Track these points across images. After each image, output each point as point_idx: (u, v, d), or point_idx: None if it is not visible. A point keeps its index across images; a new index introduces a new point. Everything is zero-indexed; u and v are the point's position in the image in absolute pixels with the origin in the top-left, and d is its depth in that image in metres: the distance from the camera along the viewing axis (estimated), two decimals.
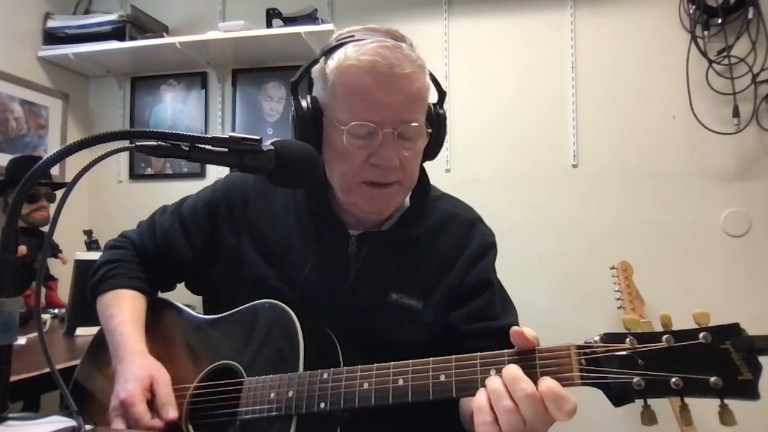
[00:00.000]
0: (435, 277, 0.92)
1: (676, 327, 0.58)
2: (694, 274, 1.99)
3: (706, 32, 1.98)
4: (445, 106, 0.94)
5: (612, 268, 1.87)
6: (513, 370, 0.60)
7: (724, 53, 1.95)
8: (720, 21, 1.94)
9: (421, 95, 0.84)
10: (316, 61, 0.88)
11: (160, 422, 0.77)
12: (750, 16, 1.94)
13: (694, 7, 2.00)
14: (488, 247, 0.96)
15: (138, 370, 0.80)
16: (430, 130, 0.86)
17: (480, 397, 0.61)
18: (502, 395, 0.59)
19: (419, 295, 0.91)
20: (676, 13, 2.06)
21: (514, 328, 0.63)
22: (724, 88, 1.97)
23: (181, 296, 1.07)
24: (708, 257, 1.99)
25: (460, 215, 0.98)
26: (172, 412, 0.78)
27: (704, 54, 1.98)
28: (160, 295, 1.04)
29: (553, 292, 2.10)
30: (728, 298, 1.92)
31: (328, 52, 0.85)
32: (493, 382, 0.61)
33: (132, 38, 2.30)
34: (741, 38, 1.96)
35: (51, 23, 2.39)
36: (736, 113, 1.94)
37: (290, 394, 0.73)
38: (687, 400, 0.57)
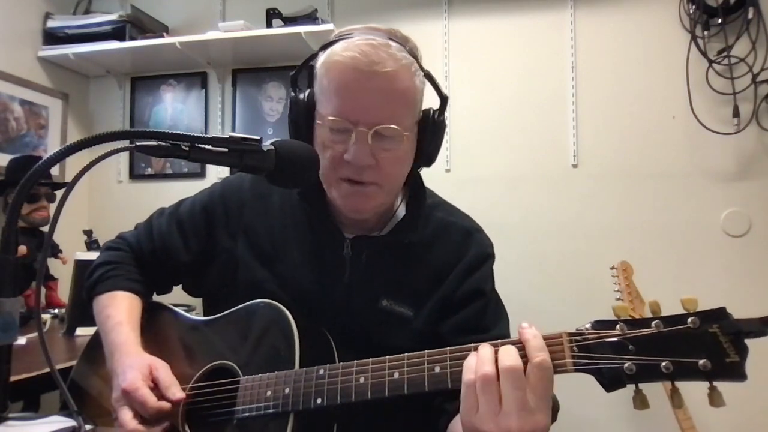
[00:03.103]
0: (428, 286, 0.90)
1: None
2: (694, 274, 1.99)
3: (706, 32, 1.98)
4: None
5: (612, 268, 1.87)
6: (510, 347, 0.62)
7: (724, 53, 1.96)
8: (720, 21, 1.94)
9: (403, 96, 0.81)
10: (314, 56, 0.87)
11: (167, 404, 0.77)
12: (750, 16, 1.94)
13: (694, 7, 2.00)
14: (485, 257, 0.94)
15: (135, 362, 0.80)
16: (407, 133, 0.82)
17: (469, 359, 0.63)
18: (486, 361, 0.61)
19: (411, 304, 0.90)
20: (676, 13, 2.06)
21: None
22: (724, 88, 1.97)
23: (180, 297, 1.07)
24: (708, 257, 2.00)
25: (457, 224, 0.96)
26: (178, 393, 0.77)
27: (704, 54, 1.98)
28: (156, 297, 1.04)
29: (552, 292, 2.10)
30: (728, 298, 1.90)
31: (324, 47, 0.85)
32: (485, 348, 0.63)
33: (132, 38, 2.30)
34: (741, 38, 1.96)
35: (51, 23, 2.39)
36: (736, 113, 1.94)
37: (287, 391, 0.74)
38: (677, 383, 0.59)
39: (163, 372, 0.80)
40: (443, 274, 0.91)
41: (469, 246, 0.93)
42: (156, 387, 0.78)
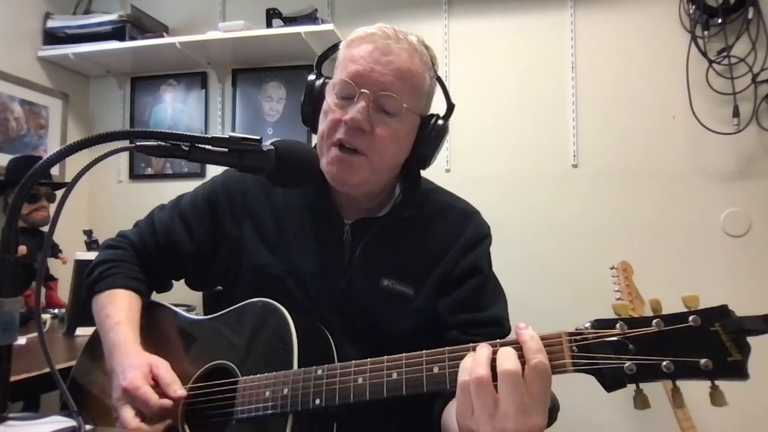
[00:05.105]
0: (428, 265, 0.93)
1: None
2: (694, 274, 1.99)
3: (706, 32, 1.98)
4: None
5: (612, 268, 1.87)
6: (508, 349, 0.61)
7: (724, 53, 1.95)
8: (720, 21, 1.94)
9: (411, 76, 0.85)
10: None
11: (169, 402, 0.77)
12: (750, 16, 1.94)
13: (694, 7, 2.00)
14: (482, 236, 0.97)
15: (135, 361, 0.80)
16: (406, 106, 0.85)
17: (465, 360, 0.62)
18: (480, 363, 0.60)
19: (411, 282, 0.92)
20: (676, 13, 2.06)
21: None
22: (724, 88, 1.96)
23: (180, 295, 1.07)
24: (708, 257, 1.99)
25: (456, 206, 0.99)
26: (179, 390, 0.78)
27: (704, 54, 1.98)
28: (156, 296, 1.04)
29: (552, 292, 2.09)
30: (728, 298, 1.89)
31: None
32: (482, 350, 0.62)
33: (132, 38, 2.30)
34: (741, 38, 1.96)
35: (51, 23, 2.39)
36: (736, 113, 1.94)
37: (285, 391, 0.74)
38: (678, 382, 0.58)
39: (164, 370, 0.80)
40: (442, 253, 0.93)
41: (467, 225, 0.96)
42: (157, 385, 0.78)
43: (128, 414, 0.76)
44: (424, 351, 0.68)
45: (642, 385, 0.59)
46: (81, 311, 1.69)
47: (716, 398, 0.56)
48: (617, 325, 0.59)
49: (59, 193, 2.12)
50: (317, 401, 0.72)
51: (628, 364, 0.57)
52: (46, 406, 1.71)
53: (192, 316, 0.96)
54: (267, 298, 0.85)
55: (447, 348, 0.67)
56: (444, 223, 0.96)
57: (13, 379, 0.65)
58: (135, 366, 0.79)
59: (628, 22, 2.11)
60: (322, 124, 0.88)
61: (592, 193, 2.11)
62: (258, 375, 0.78)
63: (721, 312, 0.56)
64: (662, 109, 2.06)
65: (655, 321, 0.58)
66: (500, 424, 0.57)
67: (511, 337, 0.64)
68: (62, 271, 2.12)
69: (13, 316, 0.61)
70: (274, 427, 0.74)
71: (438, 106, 0.94)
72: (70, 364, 1.00)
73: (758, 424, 1.88)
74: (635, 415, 1.95)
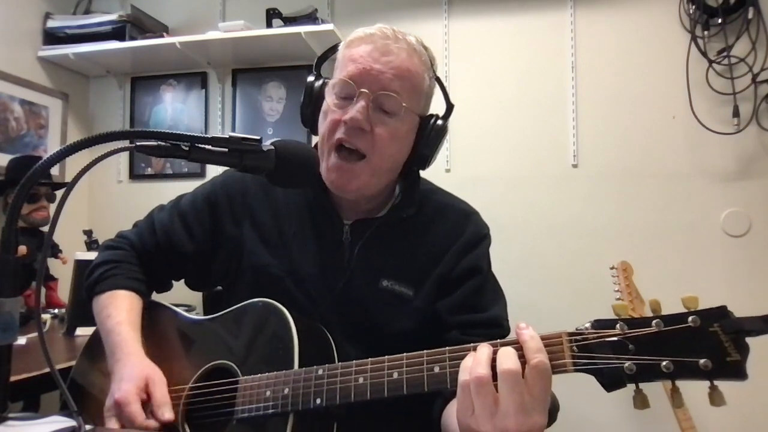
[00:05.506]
0: (427, 265, 0.93)
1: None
2: (694, 274, 1.99)
3: (706, 32, 1.98)
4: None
5: (612, 268, 1.87)
6: (509, 349, 0.61)
7: (724, 53, 1.95)
8: (720, 21, 1.94)
9: (410, 75, 0.86)
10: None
11: (154, 423, 0.76)
12: (750, 16, 1.94)
13: (694, 7, 2.00)
14: (482, 237, 0.97)
15: (133, 371, 0.80)
16: (405, 105, 0.85)
17: (466, 360, 0.62)
18: (481, 363, 0.60)
19: (411, 283, 0.92)
20: (676, 13, 2.06)
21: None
22: (724, 88, 1.97)
23: (180, 295, 1.07)
24: (708, 257, 1.99)
25: (455, 206, 1.00)
26: (167, 414, 0.77)
27: (704, 54, 1.98)
28: (156, 297, 1.04)
29: (552, 293, 2.09)
30: (728, 298, 1.90)
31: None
32: (482, 349, 0.62)
33: (132, 38, 2.30)
34: (741, 38, 1.96)
35: (51, 23, 2.39)
36: (736, 113, 1.94)
37: (286, 391, 0.74)
38: (678, 382, 0.58)
39: (158, 388, 0.79)
40: (441, 253, 0.93)
41: (466, 226, 0.96)
42: (149, 400, 0.78)
43: (113, 426, 0.76)
44: (424, 351, 0.68)
45: (642, 385, 0.59)
46: (81, 311, 1.69)
47: (715, 398, 0.56)
48: (617, 326, 0.60)
49: (59, 193, 2.12)
50: (318, 401, 0.72)
51: (627, 364, 0.58)
52: (46, 406, 1.71)
53: (192, 316, 0.96)
54: (267, 298, 0.85)
55: (447, 348, 0.67)
56: (443, 224, 0.96)
57: (13, 379, 0.65)
58: (132, 377, 0.79)
59: (628, 22, 2.11)
60: (322, 126, 0.88)
61: (592, 193, 2.11)
62: (258, 375, 0.78)
63: (720, 313, 0.57)
64: (662, 109, 2.06)
65: (654, 321, 0.58)
66: (501, 423, 0.57)
67: (512, 337, 0.64)
68: (62, 271, 2.12)
69: (13, 316, 0.61)
70: (275, 427, 0.74)
71: (438, 108, 0.95)
72: (70, 364, 1.00)
73: (758, 424, 1.88)
74: (635, 414, 1.95)
